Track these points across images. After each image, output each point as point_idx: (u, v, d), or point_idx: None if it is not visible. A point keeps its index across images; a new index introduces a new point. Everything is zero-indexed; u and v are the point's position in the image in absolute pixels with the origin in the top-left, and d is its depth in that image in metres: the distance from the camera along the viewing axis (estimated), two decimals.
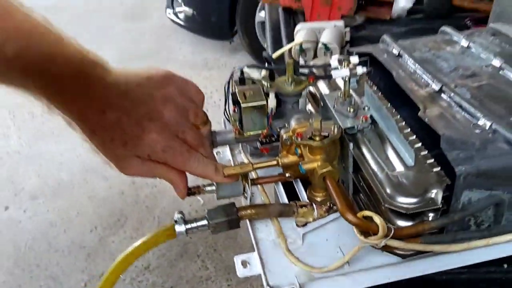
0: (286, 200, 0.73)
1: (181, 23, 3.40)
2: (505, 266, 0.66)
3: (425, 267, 0.62)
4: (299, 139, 0.63)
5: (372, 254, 0.64)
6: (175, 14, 3.40)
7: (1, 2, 0.48)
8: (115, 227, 2.19)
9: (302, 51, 1.11)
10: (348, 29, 1.19)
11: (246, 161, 0.85)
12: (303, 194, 0.73)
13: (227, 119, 0.85)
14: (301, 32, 1.16)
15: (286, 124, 0.72)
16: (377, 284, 0.61)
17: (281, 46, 1.28)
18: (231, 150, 0.89)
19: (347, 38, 1.19)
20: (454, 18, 1.30)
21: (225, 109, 0.84)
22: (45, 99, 0.53)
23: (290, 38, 1.25)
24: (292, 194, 0.76)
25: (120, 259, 0.67)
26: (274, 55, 0.96)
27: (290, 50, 1.11)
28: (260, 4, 3.16)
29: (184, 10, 3.25)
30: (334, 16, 1.26)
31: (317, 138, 0.62)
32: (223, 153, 0.89)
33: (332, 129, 0.63)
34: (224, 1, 3.14)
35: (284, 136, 0.66)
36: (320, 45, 1.10)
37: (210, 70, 3.48)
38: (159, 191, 2.43)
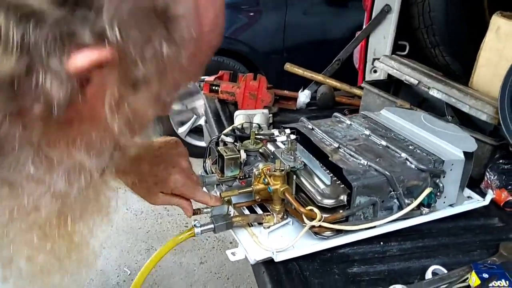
0: (260, 212, 1.17)
1: None
2: (381, 243, 1.16)
3: (338, 241, 1.10)
4: (268, 171, 1.10)
5: (309, 239, 1.10)
6: None
7: None
8: None
9: (242, 128, 1.61)
10: (271, 115, 1.74)
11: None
12: (260, 212, 1.19)
13: (205, 170, 1.29)
14: (240, 116, 1.67)
15: (254, 167, 1.19)
16: (312, 252, 1.07)
17: (221, 125, 1.76)
18: (208, 190, 1.31)
19: (270, 121, 1.73)
20: (336, 109, 1.91)
21: (204, 163, 1.29)
22: None
23: (229, 120, 1.76)
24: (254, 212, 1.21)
25: (156, 253, 1.05)
26: (231, 127, 1.46)
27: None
28: None
29: None
30: (259, 106, 1.79)
31: (278, 172, 1.09)
32: None
33: (285, 167, 1.12)
34: None
35: (256, 172, 1.13)
36: (254, 125, 1.61)
37: None
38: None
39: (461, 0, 1.91)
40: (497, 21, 1.67)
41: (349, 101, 1.94)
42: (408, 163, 1.17)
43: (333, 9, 3.77)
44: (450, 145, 1.24)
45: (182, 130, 3.84)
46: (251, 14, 3.73)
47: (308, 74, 2.06)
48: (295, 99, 1.90)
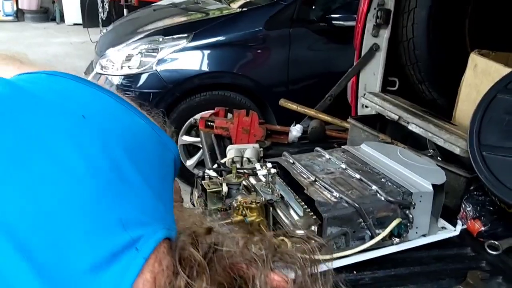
0: None
1: None
2: (355, 272, 1.23)
3: None
4: (245, 204, 1.19)
5: None
6: None
7: None
8: None
9: (233, 162, 1.71)
10: (261, 149, 1.84)
11: None
12: None
13: (192, 203, 1.39)
14: (231, 151, 1.78)
15: (234, 200, 1.28)
16: None
17: (215, 159, 1.87)
18: None
19: (261, 154, 1.82)
20: (327, 142, 2.00)
21: (191, 196, 1.39)
22: None
23: (223, 154, 1.86)
24: None
25: None
26: (222, 160, 1.56)
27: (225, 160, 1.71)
28: (182, 130, 3.80)
29: None
30: (251, 141, 1.90)
31: (254, 204, 1.18)
32: None
33: (261, 200, 1.21)
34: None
35: (235, 205, 1.22)
36: (244, 159, 1.72)
37: None
38: None
39: (444, 38, 2.00)
40: (474, 59, 1.76)
41: (339, 134, 2.03)
42: (378, 195, 1.25)
43: (336, 46, 3.88)
44: (420, 178, 1.31)
45: (190, 163, 3.95)
46: (259, 51, 3.87)
47: (301, 109, 2.17)
48: (287, 133, 2.00)
